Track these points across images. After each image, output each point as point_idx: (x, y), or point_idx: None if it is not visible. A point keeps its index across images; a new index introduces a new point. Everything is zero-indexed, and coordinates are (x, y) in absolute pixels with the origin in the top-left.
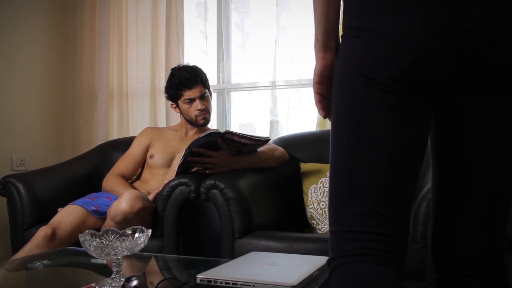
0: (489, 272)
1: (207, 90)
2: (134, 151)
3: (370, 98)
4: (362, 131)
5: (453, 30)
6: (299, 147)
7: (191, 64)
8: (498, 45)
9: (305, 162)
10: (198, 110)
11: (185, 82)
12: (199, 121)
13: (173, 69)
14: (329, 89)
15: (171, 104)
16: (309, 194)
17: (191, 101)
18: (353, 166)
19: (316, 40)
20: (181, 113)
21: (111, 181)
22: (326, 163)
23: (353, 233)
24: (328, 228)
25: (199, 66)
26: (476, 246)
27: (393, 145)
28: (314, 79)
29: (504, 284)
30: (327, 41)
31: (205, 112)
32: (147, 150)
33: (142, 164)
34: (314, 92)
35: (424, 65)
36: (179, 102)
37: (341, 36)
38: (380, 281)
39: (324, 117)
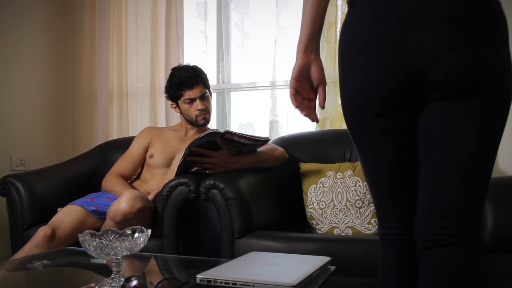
0: (457, 243)
1: (207, 90)
2: (134, 151)
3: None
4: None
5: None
6: (298, 147)
7: (192, 64)
8: (437, 63)
9: (305, 162)
10: (198, 110)
11: (185, 82)
12: (199, 121)
13: (174, 69)
14: (303, 86)
15: (171, 104)
16: (308, 194)
17: (191, 101)
18: None
19: (300, 41)
20: (181, 113)
21: (110, 181)
22: (326, 163)
23: None
24: (327, 228)
25: (199, 66)
26: (439, 219)
27: None
28: (292, 75)
29: (459, 254)
30: (309, 43)
31: (205, 112)
32: (146, 150)
33: (141, 164)
34: (290, 87)
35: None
36: (179, 102)
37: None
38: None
39: (305, 115)
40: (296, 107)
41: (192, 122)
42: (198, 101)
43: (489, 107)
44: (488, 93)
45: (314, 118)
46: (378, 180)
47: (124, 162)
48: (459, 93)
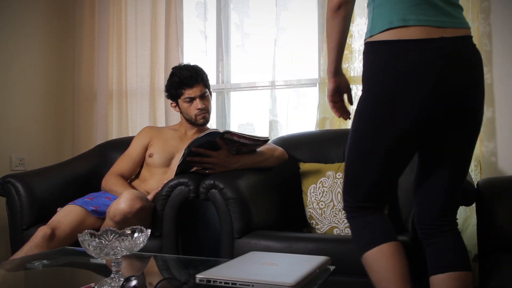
0: (449, 228)
1: (207, 90)
2: (133, 150)
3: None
4: None
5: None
6: (298, 147)
7: (192, 64)
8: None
9: (305, 162)
10: (198, 109)
11: (186, 80)
12: (199, 121)
13: (174, 68)
14: (339, 98)
15: (171, 103)
16: (308, 194)
17: (191, 100)
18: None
19: (329, 67)
20: (180, 112)
21: (110, 181)
22: (326, 163)
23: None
24: (327, 228)
25: (199, 66)
26: (441, 214)
27: None
28: (328, 93)
29: (457, 234)
30: (336, 69)
31: (205, 112)
32: (146, 149)
33: (141, 163)
34: (329, 101)
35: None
36: (179, 101)
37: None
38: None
39: (339, 117)
40: (336, 113)
41: (191, 122)
42: (198, 100)
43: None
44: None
45: (347, 115)
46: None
47: (124, 162)
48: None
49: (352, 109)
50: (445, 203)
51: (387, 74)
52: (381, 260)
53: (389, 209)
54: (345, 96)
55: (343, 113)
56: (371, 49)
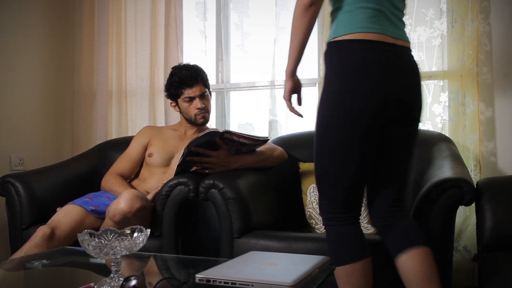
0: (402, 214)
1: (207, 90)
2: (133, 150)
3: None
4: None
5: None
6: (298, 146)
7: (192, 63)
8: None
9: (304, 162)
10: (197, 108)
11: (185, 80)
12: (199, 120)
13: (174, 68)
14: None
15: (171, 103)
16: (308, 193)
17: (191, 99)
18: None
19: (288, 67)
20: (180, 112)
21: (110, 180)
22: None
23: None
24: None
25: (198, 65)
26: (394, 203)
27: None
28: (286, 94)
29: (410, 217)
30: (294, 69)
31: (205, 111)
32: (145, 149)
33: (140, 163)
34: (286, 100)
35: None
36: (179, 100)
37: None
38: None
39: (298, 115)
40: (294, 112)
41: (191, 121)
42: (197, 99)
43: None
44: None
45: (299, 114)
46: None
47: (123, 162)
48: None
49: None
50: (397, 193)
51: (353, 67)
52: (353, 277)
53: None
54: (298, 96)
55: (297, 112)
56: (337, 46)
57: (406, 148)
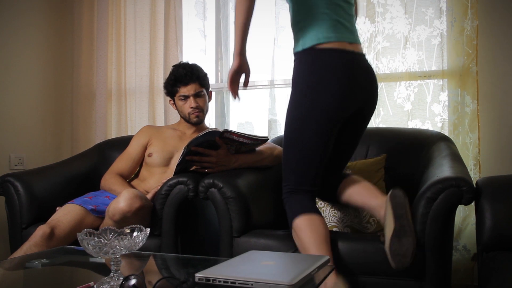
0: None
1: (204, 90)
2: (132, 149)
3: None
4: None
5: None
6: None
7: (192, 62)
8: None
9: None
10: (191, 107)
11: (180, 78)
12: (192, 119)
13: (174, 66)
14: (237, 79)
15: (170, 100)
16: None
17: (185, 98)
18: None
19: (236, 46)
20: (177, 110)
21: (109, 180)
22: None
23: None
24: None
25: (198, 65)
26: (337, 175)
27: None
28: (230, 73)
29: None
30: (242, 48)
31: (199, 111)
32: (145, 148)
33: (140, 162)
34: (230, 80)
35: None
36: (175, 98)
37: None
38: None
39: (234, 97)
40: (232, 92)
41: (186, 119)
42: (191, 98)
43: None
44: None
45: (237, 96)
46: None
47: (123, 161)
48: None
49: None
50: (341, 170)
51: (322, 71)
52: (314, 225)
53: None
54: (242, 78)
55: (237, 93)
56: (305, 55)
57: (357, 139)
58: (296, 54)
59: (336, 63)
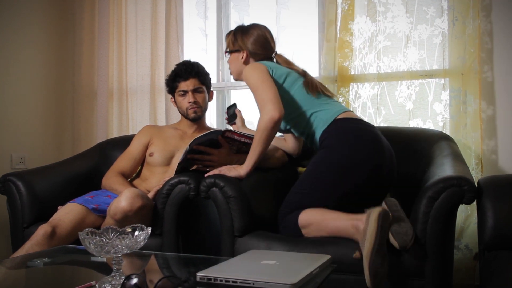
0: None
1: (204, 87)
2: (134, 149)
3: None
4: None
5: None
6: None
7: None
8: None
9: (304, 166)
10: (189, 102)
11: (180, 73)
12: (190, 115)
13: (176, 64)
14: None
15: (170, 98)
16: None
17: (184, 93)
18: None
19: (248, 168)
20: (177, 107)
21: (110, 179)
22: None
23: None
24: None
25: (199, 63)
26: None
27: None
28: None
29: None
30: (254, 168)
31: (196, 106)
32: (146, 148)
33: (141, 162)
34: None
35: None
36: (175, 94)
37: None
38: None
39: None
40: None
41: (184, 115)
42: (190, 93)
43: None
44: None
45: None
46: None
47: (124, 160)
48: None
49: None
50: None
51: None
52: (314, 210)
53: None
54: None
55: None
56: (335, 124)
57: None
58: (324, 132)
59: (361, 128)
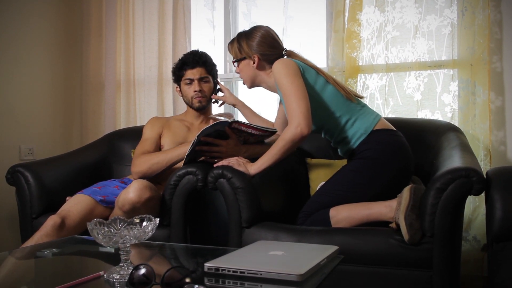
0: None
1: (210, 77)
2: (150, 135)
3: None
4: None
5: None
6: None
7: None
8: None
9: (313, 155)
10: (194, 91)
11: (187, 62)
12: (195, 104)
13: (184, 54)
14: None
15: (176, 87)
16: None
17: (190, 81)
18: None
19: (259, 170)
20: (182, 96)
21: (143, 158)
22: (334, 156)
23: None
24: None
25: (207, 53)
26: None
27: None
28: (239, 168)
29: None
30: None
31: (201, 96)
32: (160, 137)
33: (159, 147)
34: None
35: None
36: (181, 83)
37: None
38: None
39: None
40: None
41: (189, 105)
42: (196, 82)
43: None
44: None
45: None
46: None
47: (147, 144)
48: None
49: None
50: None
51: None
52: (342, 205)
53: None
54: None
55: None
56: (372, 135)
57: None
58: (361, 144)
59: (396, 139)
